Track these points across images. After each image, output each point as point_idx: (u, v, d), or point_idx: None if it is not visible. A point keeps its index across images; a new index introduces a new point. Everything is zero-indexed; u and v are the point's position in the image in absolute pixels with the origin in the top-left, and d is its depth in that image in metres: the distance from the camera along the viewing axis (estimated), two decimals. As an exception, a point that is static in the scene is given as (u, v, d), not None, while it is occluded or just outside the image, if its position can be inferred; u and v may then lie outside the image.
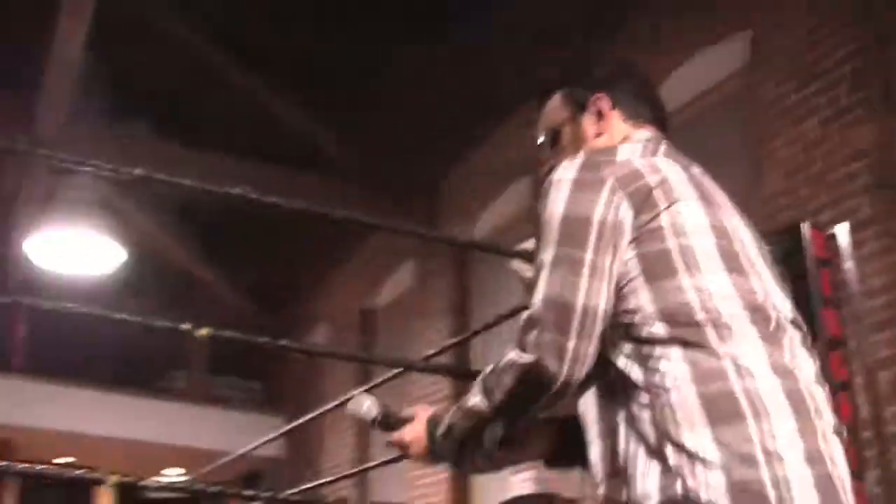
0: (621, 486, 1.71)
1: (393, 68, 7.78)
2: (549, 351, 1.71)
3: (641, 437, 1.68)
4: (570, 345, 1.71)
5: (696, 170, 1.94)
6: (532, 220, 1.94)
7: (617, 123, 2.06)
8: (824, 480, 1.60)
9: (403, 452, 2.08)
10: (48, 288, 9.61)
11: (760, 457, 1.57)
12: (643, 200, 1.78)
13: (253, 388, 12.17)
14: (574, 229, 1.78)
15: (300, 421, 5.07)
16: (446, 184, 8.52)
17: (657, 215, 1.78)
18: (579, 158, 1.88)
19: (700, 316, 1.70)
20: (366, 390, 2.37)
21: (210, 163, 8.64)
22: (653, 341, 1.71)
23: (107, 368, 12.25)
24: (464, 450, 1.96)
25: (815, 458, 1.61)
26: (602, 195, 1.79)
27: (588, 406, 1.84)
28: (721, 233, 1.81)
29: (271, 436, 4.89)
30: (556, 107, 2.16)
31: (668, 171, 1.85)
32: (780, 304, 1.80)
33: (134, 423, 10.71)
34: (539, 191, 1.92)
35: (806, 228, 2.99)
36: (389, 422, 2.13)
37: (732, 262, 1.78)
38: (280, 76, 8.51)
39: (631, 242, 1.77)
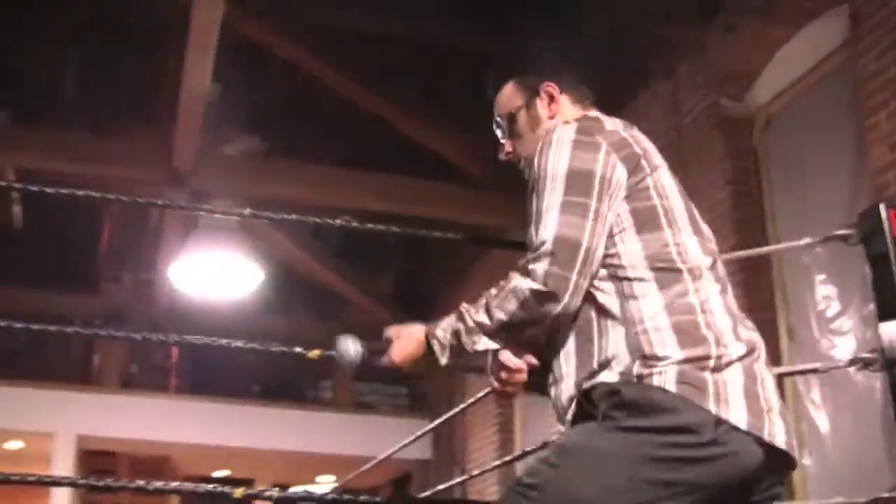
0: (582, 381, 2.08)
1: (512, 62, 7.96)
2: (555, 281, 2.04)
3: (610, 352, 2.05)
4: (573, 278, 2.06)
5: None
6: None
7: (566, 106, 2.42)
8: (752, 391, 2.00)
9: (396, 361, 2.30)
10: (194, 312, 10.23)
11: (711, 364, 1.98)
12: (634, 164, 2.17)
13: (398, 394, 12.49)
14: (579, 180, 2.12)
15: (441, 419, 5.32)
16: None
17: (644, 178, 2.17)
18: (573, 125, 2.23)
19: (679, 265, 2.10)
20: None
21: (338, 176, 9.08)
22: (633, 281, 2.08)
23: (256, 383, 12.84)
24: (460, 356, 2.17)
25: (754, 377, 2.03)
26: (600, 155, 2.15)
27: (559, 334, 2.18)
28: (684, 197, 2.24)
29: (415, 436, 5.15)
30: (509, 94, 2.48)
31: (646, 143, 2.27)
32: (710, 259, 2.21)
33: (285, 434, 11.12)
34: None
35: (883, 209, 3.13)
36: (375, 349, 2.36)
37: (694, 224, 2.21)
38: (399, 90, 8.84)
39: (624, 199, 2.14)
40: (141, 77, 9.27)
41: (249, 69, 9.19)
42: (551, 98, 2.42)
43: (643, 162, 2.19)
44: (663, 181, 2.21)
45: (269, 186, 8.85)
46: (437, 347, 2.20)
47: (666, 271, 2.09)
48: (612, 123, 2.29)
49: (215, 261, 8.36)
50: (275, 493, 3.39)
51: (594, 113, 2.39)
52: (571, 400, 2.10)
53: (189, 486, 2.86)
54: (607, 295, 2.09)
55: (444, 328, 2.20)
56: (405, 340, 2.30)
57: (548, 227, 2.08)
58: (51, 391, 10.92)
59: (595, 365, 2.06)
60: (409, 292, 11.54)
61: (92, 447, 11.36)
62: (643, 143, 2.26)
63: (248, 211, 3.09)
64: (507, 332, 2.11)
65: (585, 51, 7.38)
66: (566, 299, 2.05)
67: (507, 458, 5.13)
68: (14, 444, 11.56)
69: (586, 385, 2.06)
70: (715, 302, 2.11)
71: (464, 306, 2.18)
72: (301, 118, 9.94)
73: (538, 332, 2.11)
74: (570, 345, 2.12)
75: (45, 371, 11.73)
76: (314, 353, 2.69)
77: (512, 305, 2.07)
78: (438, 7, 8.21)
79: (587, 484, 1.93)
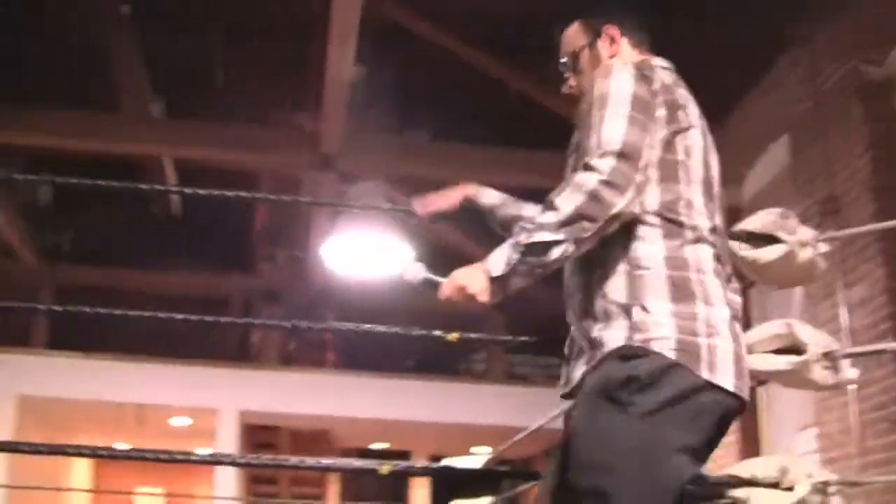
0: (592, 327, 2.26)
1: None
2: (621, 177, 2.18)
3: (615, 295, 2.23)
4: (637, 178, 2.22)
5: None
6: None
7: (625, 48, 2.57)
8: (739, 355, 2.24)
9: (460, 296, 2.21)
10: (348, 289, 10.58)
11: (702, 329, 2.19)
12: (673, 113, 2.32)
13: (551, 364, 12.62)
14: (643, 104, 2.28)
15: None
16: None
17: (678, 131, 2.32)
18: (630, 65, 2.38)
19: (683, 219, 2.28)
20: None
21: (482, 154, 9.22)
22: (644, 225, 2.25)
23: (411, 357, 13.16)
24: (528, 269, 2.17)
25: (737, 339, 2.25)
26: (654, 94, 2.31)
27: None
28: (706, 164, 2.38)
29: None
30: (574, 33, 2.63)
31: (689, 99, 2.41)
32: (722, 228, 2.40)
33: (440, 406, 11.39)
34: (583, 100, 2.41)
35: None
36: (433, 282, 2.32)
37: (708, 188, 2.36)
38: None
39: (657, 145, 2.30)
40: (288, 65, 9.59)
41: (394, 51, 9.39)
42: (612, 40, 2.57)
43: (680, 114, 2.34)
44: (692, 140, 2.35)
45: (414, 166, 9.06)
46: (494, 259, 2.17)
47: (671, 223, 2.27)
48: (664, 73, 2.42)
49: (365, 240, 8.58)
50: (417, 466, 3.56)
51: (651, 59, 2.52)
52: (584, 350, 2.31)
53: (340, 462, 3.04)
54: (615, 233, 2.24)
55: (503, 245, 2.20)
56: (463, 272, 2.24)
57: (615, 131, 2.22)
58: (214, 369, 11.45)
59: (601, 311, 2.25)
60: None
61: (254, 422, 11.86)
62: (686, 98, 2.40)
63: (387, 205, 3.26)
64: (570, 227, 2.14)
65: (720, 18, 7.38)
66: (630, 194, 2.19)
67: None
68: (182, 420, 12.21)
69: (595, 335, 2.25)
70: (707, 262, 2.28)
71: (518, 233, 2.20)
72: (446, 98, 10.09)
73: (595, 231, 2.17)
74: (584, 283, 2.32)
75: (209, 350, 12.31)
76: (453, 336, 2.80)
77: (579, 198, 2.15)
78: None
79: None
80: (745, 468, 2.98)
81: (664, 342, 2.16)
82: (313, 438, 13.10)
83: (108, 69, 8.85)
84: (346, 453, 14.22)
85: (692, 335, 2.18)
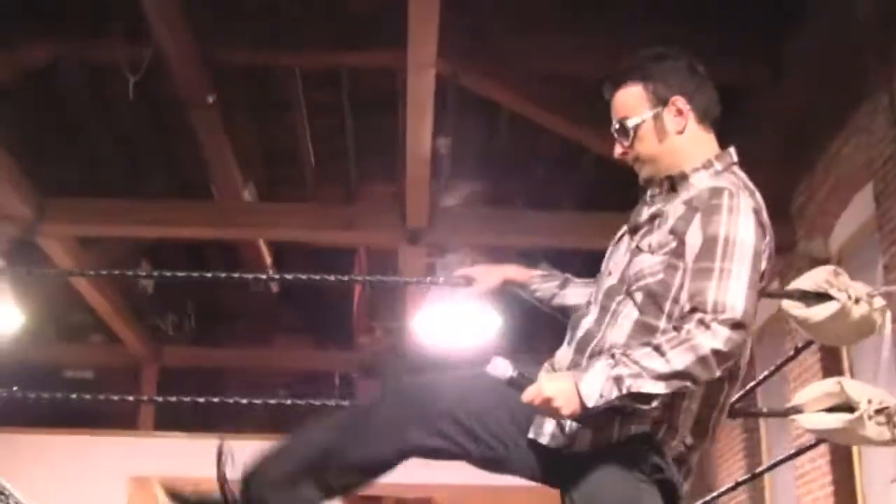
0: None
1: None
2: (735, 348, 2.23)
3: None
4: (747, 353, 2.34)
5: None
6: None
7: (692, 124, 2.50)
8: None
9: (545, 406, 2.22)
10: (442, 359, 10.77)
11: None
12: (763, 230, 2.37)
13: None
14: (758, 264, 2.31)
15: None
16: (797, 198, 8.45)
17: (766, 244, 2.38)
18: (740, 189, 2.37)
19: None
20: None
21: (568, 219, 9.38)
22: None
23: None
24: (621, 406, 2.22)
25: None
26: (758, 231, 2.34)
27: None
28: None
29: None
30: (637, 98, 2.51)
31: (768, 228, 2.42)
32: None
33: None
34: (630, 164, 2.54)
35: None
36: (523, 382, 2.30)
37: None
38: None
39: None
40: (375, 141, 9.93)
41: (477, 119, 9.65)
42: (679, 112, 2.48)
43: (766, 254, 2.40)
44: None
45: (501, 235, 9.24)
46: (589, 385, 2.19)
47: None
48: (745, 178, 2.46)
49: (454, 311, 8.81)
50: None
51: (729, 153, 2.52)
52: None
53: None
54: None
55: (599, 370, 2.22)
56: (556, 376, 2.33)
57: (739, 296, 2.22)
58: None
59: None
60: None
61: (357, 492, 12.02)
62: (760, 199, 2.43)
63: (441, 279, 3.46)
64: (674, 382, 2.17)
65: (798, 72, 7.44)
66: (739, 363, 2.35)
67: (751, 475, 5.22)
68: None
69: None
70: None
71: (616, 353, 2.25)
72: (528, 164, 10.32)
73: (691, 387, 2.26)
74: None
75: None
76: None
77: (690, 358, 2.17)
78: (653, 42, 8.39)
79: None
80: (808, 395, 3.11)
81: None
82: (419, 507, 13.24)
83: (201, 158, 9.28)
84: (452, 521, 14.32)
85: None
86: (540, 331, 11.96)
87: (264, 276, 9.56)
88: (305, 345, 13.97)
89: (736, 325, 2.20)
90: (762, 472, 5.66)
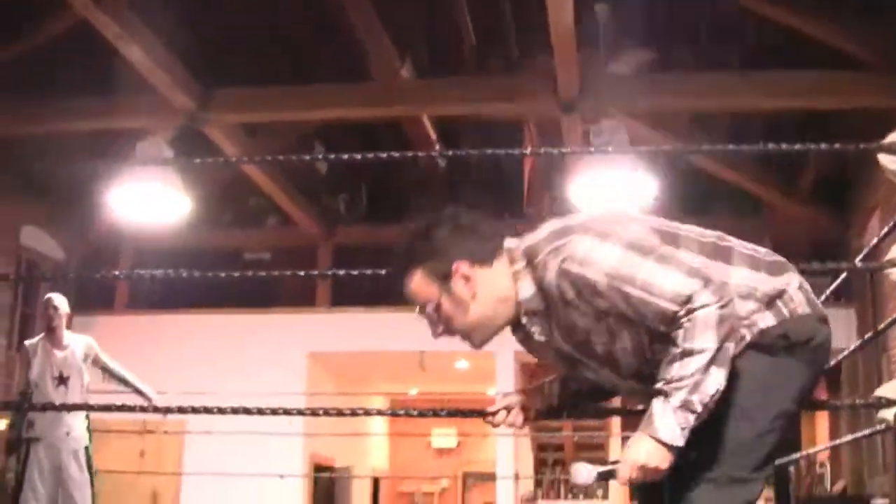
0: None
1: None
2: (721, 292, 2.25)
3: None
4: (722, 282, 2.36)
5: None
6: None
7: (482, 276, 2.39)
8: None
9: (643, 474, 2.22)
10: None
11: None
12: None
13: (817, 284, 12.41)
14: (640, 241, 2.34)
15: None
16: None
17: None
18: (551, 247, 2.31)
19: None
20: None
21: (725, 81, 9.29)
22: None
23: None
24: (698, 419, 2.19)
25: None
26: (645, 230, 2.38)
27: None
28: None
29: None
30: (421, 284, 2.42)
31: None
32: None
33: None
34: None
35: None
36: (608, 473, 2.29)
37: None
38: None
39: None
40: (533, 12, 9.97)
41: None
42: (466, 278, 2.39)
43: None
44: None
45: (656, 99, 9.22)
46: (666, 429, 2.18)
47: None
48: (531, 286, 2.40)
49: (610, 175, 8.90)
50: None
51: (508, 249, 2.44)
52: None
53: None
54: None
55: (662, 412, 2.20)
56: (631, 443, 2.26)
57: (665, 290, 2.19)
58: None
59: None
60: (830, 189, 11.39)
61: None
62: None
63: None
64: (721, 358, 2.18)
65: None
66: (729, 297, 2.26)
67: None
68: (462, 364, 13.03)
69: None
70: None
71: (659, 387, 2.21)
72: (685, 27, 10.20)
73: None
74: None
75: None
76: None
77: (711, 331, 2.17)
78: None
79: None
80: (891, 388, 3.20)
81: None
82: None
83: (357, 40, 9.55)
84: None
85: None
86: (693, 193, 11.98)
87: (423, 154, 9.78)
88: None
89: (704, 285, 2.19)
90: None
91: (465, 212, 2.46)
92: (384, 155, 3.47)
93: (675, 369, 2.17)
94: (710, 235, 2.42)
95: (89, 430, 6.96)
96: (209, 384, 8.84)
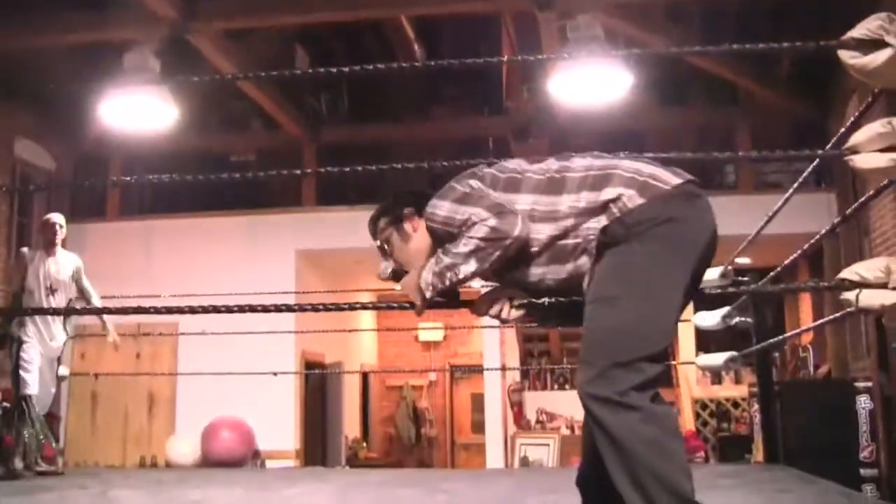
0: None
1: None
2: (506, 225, 2.94)
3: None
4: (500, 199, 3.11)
5: None
6: None
7: (419, 221, 3.24)
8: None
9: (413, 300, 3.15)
10: (582, 117, 11.11)
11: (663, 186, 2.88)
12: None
13: (800, 170, 12.63)
14: (465, 193, 3.11)
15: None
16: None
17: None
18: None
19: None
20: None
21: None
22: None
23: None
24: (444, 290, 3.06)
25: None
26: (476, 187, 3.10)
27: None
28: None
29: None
30: (382, 227, 3.31)
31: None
32: None
33: None
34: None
35: None
36: (398, 275, 3.26)
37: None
38: None
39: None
40: None
41: None
42: (412, 222, 3.28)
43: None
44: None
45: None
46: (425, 284, 3.09)
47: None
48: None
49: (586, 69, 9.08)
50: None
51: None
52: None
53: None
54: None
55: (428, 278, 3.09)
56: (406, 280, 3.18)
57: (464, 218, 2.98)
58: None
59: None
60: (807, 75, 11.50)
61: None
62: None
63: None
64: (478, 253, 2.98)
65: None
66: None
67: None
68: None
69: None
70: None
71: (442, 259, 3.05)
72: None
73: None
74: None
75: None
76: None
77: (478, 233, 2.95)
78: None
79: None
80: (853, 270, 3.40)
81: None
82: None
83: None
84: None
85: None
86: (670, 83, 12.11)
87: (405, 64, 9.90)
88: (459, 113, 14.39)
89: (483, 216, 2.93)
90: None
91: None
92: (370, 67, 3.70)
93: (451, 246, 2.98)
94: (550, 172, 3.05)
95: (68, 334, 7.58)
96: (201, 286, 9.09)
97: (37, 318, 7.17)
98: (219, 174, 4.24)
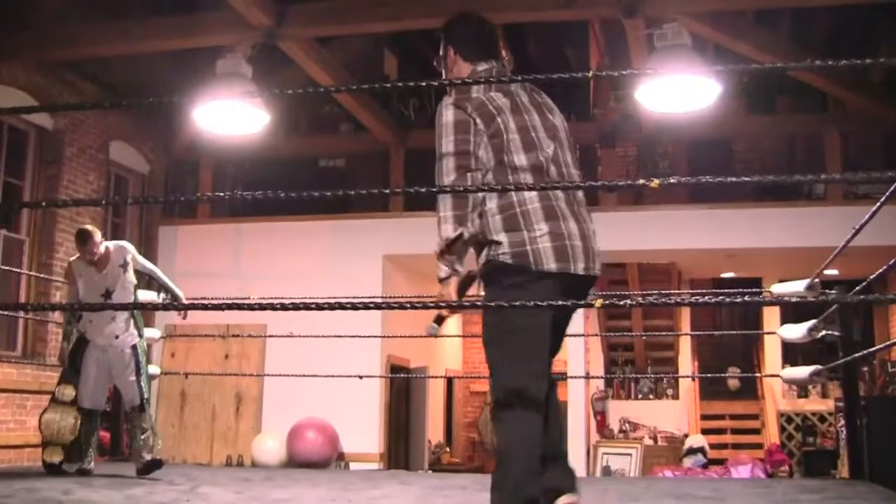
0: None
1: None
2: (459, 178, 3.70)
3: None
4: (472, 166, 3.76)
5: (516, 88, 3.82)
6: None
7: (458, 63, 3.95)
8: (560, 249, 3.52)
9: (448, 305, 3.58)
10: (673, 125, 11.05)
11: (527, 240, 3.52)
12: (488, 117, 3.67)
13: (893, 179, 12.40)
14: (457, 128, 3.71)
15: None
16: None
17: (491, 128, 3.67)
18: (451, 97, 3.74)
19: (508, 175, 3.61)
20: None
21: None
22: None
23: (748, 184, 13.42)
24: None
25: (557, 238, 3.52)
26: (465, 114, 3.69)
27: None
28: (523, 129, 3.68)
29: None
30: (440, 49, 4.02)
31: (500, 101, 3.72)
32: (551, 161, 3.67)
33: (783, 231, 11.58)
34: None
35: None
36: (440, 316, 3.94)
37: (529, 146, 3.66)
38: None
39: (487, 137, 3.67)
40: None
41: None
42: (451, 56, 3.97)
43: (492, 117, 3.69)
44: (506, 123, 3.68)
45: (717, 2, 9.28)
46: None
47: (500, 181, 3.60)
48: (478, 89, 3.73)
49: (677, 78, 9.05)
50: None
51: (482, 67, 3.90)
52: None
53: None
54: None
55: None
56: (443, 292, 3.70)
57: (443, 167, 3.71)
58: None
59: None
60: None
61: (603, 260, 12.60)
62: (496, 102, 3.71)
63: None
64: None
65: None
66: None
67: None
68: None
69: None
70: (530, 197, 3.59)
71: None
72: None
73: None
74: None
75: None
76: (598, 302, 3.37)
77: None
78: None
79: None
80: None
81: (504, 253, 3.54)
82: (661, 271, 13.83)
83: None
84: (696, 284, 14.88)
85: (520, 246, 3.53)
86: (757, 90, 11.99)
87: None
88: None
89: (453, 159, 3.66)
90: None
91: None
92: (459, 82, 3.89)
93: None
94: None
95: (137, 327, 7.26)
96: (289, 289, 9.26)
97: (94, 319, 7.03)
98: (310, 180, 4.38)
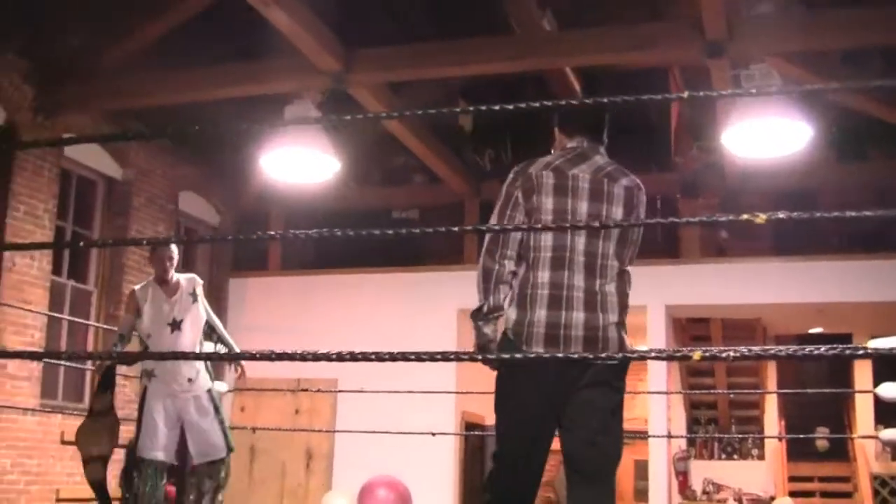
0: None
1: None
2: (490, 264, 4.02)
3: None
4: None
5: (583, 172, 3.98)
6: None
7: (556, 132, 4.22)
8: (553, 336, 3.80)
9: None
10: (759, 173, 10.72)
11: (526, 322, 3.83)
12: (529, 193, 3.93)
13: None
14: (506, 199, 4.12)
15: None
16: None
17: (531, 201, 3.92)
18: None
19: (531, 255, 3.86)
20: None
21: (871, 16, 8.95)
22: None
23: (839, 235, 13.02)
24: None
25: (553, 326, 3.80)
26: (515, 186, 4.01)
27: None
28: (559, 212, 3.87)
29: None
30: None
31: (546, 178, 3.95)
32: (578, 249, 3.83)
33: (875, 284, 11.17)
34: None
35: None
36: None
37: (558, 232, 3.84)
38: None
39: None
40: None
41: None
42: (552, 135, 4.23)
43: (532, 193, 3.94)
44: (542, 201, 3.91)
45: (805, 38, 8.94)
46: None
47: (522, 258, 3.90)
48: (541, 164, 3.98)
49: (762, 121, 8.76)
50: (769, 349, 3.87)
51: (567, 144, 4.13)
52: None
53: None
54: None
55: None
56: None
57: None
58: (641, 266, 11.95)
59: None
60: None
61: (682, 315, 12.25)
62: (542, 180, 3.92)
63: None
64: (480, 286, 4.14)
65: None
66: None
67: None
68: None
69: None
70: (542, 278, 3.84)
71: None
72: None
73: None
74: None
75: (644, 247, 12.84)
76: (697, 355, 2.90)
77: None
78: None
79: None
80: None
81: (508, 328, 3.88)
82: (745, 326, 13.41)
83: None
84: (781, 340, 14.41)
85: (520, 325, 3.83)
86: (847, 136, 11.61)
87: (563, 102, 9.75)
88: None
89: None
90: None
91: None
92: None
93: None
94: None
95: (209, 371, 6.88)
96: (359, 342, 9.05)
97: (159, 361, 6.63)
98: (383, 230, 4.21)
